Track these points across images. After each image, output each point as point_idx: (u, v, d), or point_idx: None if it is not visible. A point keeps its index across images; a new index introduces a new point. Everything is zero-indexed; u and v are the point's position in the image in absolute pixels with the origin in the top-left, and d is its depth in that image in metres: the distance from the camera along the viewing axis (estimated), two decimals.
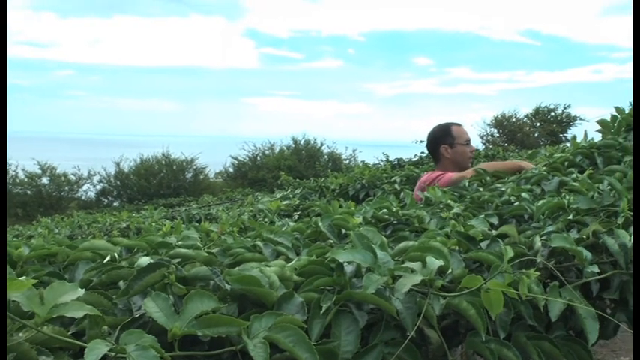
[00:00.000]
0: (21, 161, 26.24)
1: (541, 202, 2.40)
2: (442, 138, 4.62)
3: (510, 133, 26.50)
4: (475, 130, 27.33)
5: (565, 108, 27.47)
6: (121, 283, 1.57)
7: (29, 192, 25.57)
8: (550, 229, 2.15)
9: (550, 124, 26.90)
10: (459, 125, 4.67)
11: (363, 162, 12.54)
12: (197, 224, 2.54)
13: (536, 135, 26.64)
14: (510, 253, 1.66)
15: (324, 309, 1.46)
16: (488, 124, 27.29)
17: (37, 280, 1.27)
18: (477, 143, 24.46)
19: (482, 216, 2.38)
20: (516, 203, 2.56)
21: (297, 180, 10.29)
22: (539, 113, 27.59)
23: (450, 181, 4.10)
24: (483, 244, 2.02)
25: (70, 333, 1.29)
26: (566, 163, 3.43)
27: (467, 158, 4.57)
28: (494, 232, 2.11)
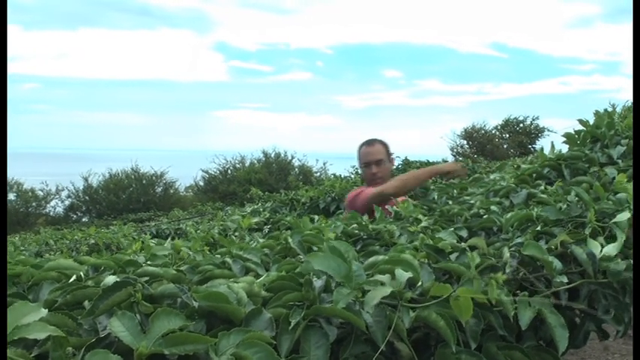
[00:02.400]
0: None
1: (510, 214, 2.41)
2: (357, 157, 4.69)
3: (480, 144, 26.72)
4: (445, 142, 27.54)
5: (534, 120, 27.77)
6: (87, 303, 1.54)
7: None
8: (519, 240, 2.16)
9: (519, 136, 27.17)
10: (367, 145, 4.62)
11: (333, 174, 12.57)
12: (166, 241, 2.51)
13: (505, 146, 26.88)
14: (477, 260, 1.66)
15: (292, 324, 1.45)
16: (459, 136, 27.51)
17: None
18: (446, 155, 24.66)
19: (452, 229, 2.39)
20: (485, 216, 2.57)
21: (268, 193, 10.27)
22: (508, 125, 27.86)
23: (367, 198, 4.14)
24: (452, 257, 2.02)
25: (32, 355, 1.27)
26: (534, 175, 3.45)
27: (368, 180, 4.56)
28: (463, 245, 2.12)
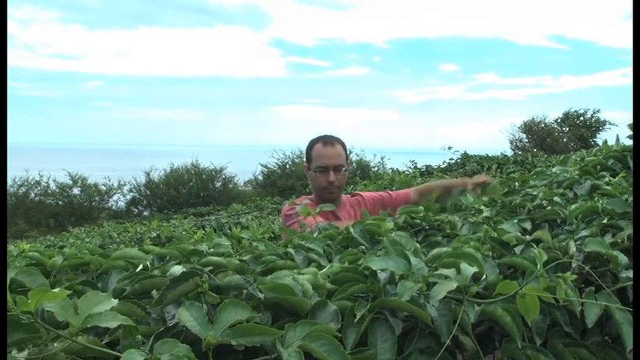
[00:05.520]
0: (52, 172, 26.63)
1: (574, 206, 2.37)
2: (306, 154, 3.84)
3: (539, 138, 26.35)
4: (504, 135, 27.24)
5: (594, 113, 27.27)
6: (154, 292, 1.57)
7: (61, 202, 25.91)
8: (584, 233, 2.12)
9: (579, 129, 26.71)
10: (325, 143, 3.71)
11: (391, 169, 12.54)
12: (228, 231, 2.53)
13: (565, 140, 26.46)
14: (544, 257, 1.63)
15: (358, 317, 1.44)
16: (518, 129, 27.16)
17: (71, 292, 1.27)
18: (506, 148, 24.37)
19: (515, 220, 2.35)
20: (549, 207, 2.53)
21: None
22: (568, 118, 27.41)
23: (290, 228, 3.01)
24: (517, 250, 2.00)
25: (103, 343, 1.30)
26: (598, 167, 3.38)
27: (320, 188, 3.70)
28: (528, 238, 2.09)
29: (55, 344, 1.23)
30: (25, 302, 1.17)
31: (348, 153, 3.84)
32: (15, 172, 25.79)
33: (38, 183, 25.96)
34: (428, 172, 10.75)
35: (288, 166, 27.40)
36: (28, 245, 2.18)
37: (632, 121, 3.91)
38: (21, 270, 1.59)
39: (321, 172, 3.65)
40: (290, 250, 2.02)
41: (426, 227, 2.49)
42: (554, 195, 2.71)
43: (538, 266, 1.61)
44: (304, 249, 2.04)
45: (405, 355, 1.47)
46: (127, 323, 1.24)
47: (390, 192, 4.13)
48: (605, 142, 4.02)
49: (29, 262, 1.89)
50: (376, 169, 26.13)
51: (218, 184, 28.54)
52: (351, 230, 2.27)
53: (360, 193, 4.03)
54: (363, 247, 2.19)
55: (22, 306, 1.18)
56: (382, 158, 27.13)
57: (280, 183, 26.00)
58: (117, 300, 1.30)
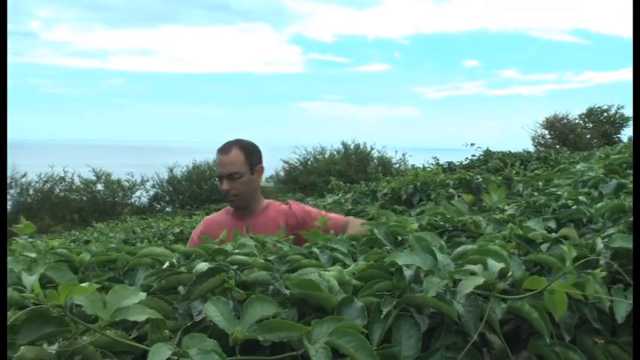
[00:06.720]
0: (76, 168, 26.87)
1: (600, 204, 2.35)
2: None
3: (562, 134, 26.09)
4: (526, 132, 27.03)
5: (618, 108, 26.95)
6: (181, 288, 1.58)
7: (85, 198, 26.13)
8: (611, 231, 2.10)
9: (603, 125, 26.42)
10: (221, 151, 3.53)
11: (413, 166, 12.46)
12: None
13: (588, 136, 26.19)
14: (574, 253, 1.62)
15: (384, 313, 1.45)
16: (540, 125, 26.91)
17: (99, 285, 1.29)
18: (528, 145, 24.14)
19: (540, 219, 2.34)
20: (574, 207, 2.51)
21: (348, 184, 10.27)
22: (591, 114, 27.10)
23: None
24: (543, 247, 1.98)
25: (131, 337, 1.31)
26: (624, 165, 3.35)
27: (224, 197, 3.66)
28: (554, 235, 2.07)
29: (85, 337, 1.24)
30: (56, 296, 1.19)
31: (253, 157, 3.59)
32: (40, 168, 26.07)
33: (63, 179, 26.21)
34: (450, 169, 10.70)
35: (309, 162, 27.33)
36: (57, 242, 2.21)
37: None
38: (50, 266, 1.62)
39: (219, 181, 3.54)
40: (315, 249, 2.02)
41: (450, 228, 2.48)
42: (580, 194, 2.69)
43: (567, 262, 1.60)
44: (329, 249, 2.04)
45: (432, 350, 1.47)
46: (156, 316, 1.25)
47: (323, 212, 3.86)
48: (630, 138, 3.97)
49: (58, 259, 1.91)
50: (398, 165, 26.02)
51: None
52: (375, 231, 2.27)
53: (294, 203, 3.84)
54: (387, 248, 2.19)
55: (53, 299, 1.19)
56: (403, 155, 27.01)
57: (302, 179, 25.95)
58: (145, 294, 1.31)
